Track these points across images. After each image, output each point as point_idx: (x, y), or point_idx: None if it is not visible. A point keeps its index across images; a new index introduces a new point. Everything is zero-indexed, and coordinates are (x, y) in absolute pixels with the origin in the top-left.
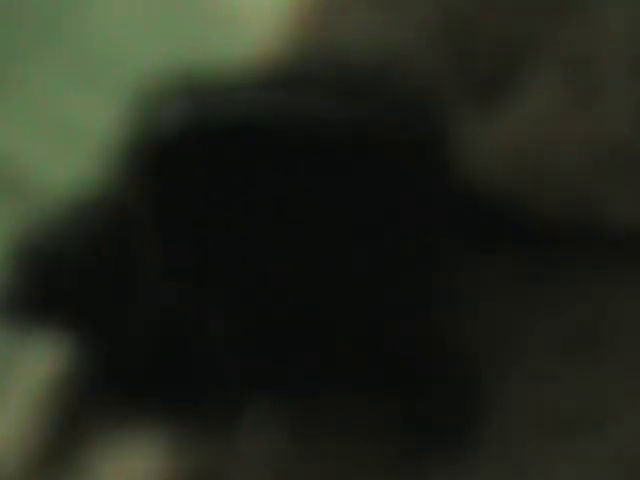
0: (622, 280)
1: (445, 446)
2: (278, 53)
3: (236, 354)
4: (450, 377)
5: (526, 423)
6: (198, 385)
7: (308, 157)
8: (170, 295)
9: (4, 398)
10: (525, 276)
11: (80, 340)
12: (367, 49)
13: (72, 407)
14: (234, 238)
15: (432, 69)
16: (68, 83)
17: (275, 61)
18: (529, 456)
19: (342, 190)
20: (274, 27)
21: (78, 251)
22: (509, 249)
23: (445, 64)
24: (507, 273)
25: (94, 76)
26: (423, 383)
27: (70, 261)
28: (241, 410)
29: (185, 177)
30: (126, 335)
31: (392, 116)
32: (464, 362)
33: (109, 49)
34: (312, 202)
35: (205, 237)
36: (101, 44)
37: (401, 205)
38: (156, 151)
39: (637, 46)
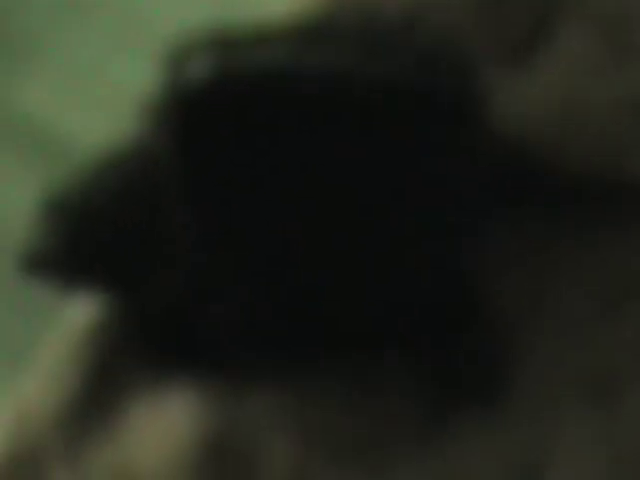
0: None
1: (475, 404)
2: (309, 10)
3: (259, 316)
4: (480, 338)
5: (555, 386)
6: (218, 346)
7: (337, 114)
8: (196, 254)
9: (41, 350)
10: (554, 236)
11: (111, 296)
12: (400, 7)
13: (106, 360)
14: (257, 199)
15: (464, 24)
16: (106, 48)
17: (306, 18)
18: (557, 419)
19: (373, 147)
20: None
21: (110, 209)
22: (539, 208)
23: (477, 19)
24: (537, 233)
25: (131, 40)
26: (454, 343)
27: (102, 219)
28: (263, 372)
29: (212, 134)
30: (154, 292)
31: (424, 72)
32: (494, 322)
33: (145, 13)
34: (344, 159)
35: (229, 198)
36: (137, 9)
37: (432, 161)
38: (183, 108)
39: None
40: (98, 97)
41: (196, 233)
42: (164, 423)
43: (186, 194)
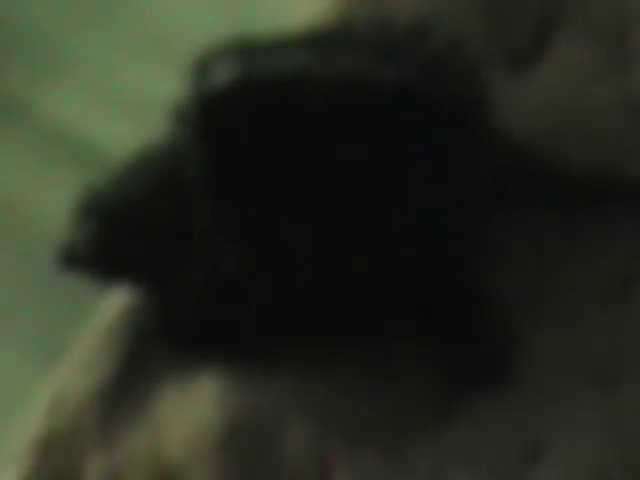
0: None
1: (484, 388)
2: (328, 18)
3: (279, 303)
4: (488, 329)
5: (559, 370)
6: (244, 330)
7: (356, 116)
8: (219, 249)
9: (77, 339)
10: (557, 229)
11: (142, 289)
12: (410, 15)
13: (137, 348)
14: (277, 195)
15: (470, 32)
16: (126, 57)
17: (325, 25)
18: (561, 401)
19: (392, 146)
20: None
21: (139, 209)
22: (542, 203)
23: (484, 27)
24: (540, 226)
25: (150, 49)
26: (467, 331)
27: (132, 218)
28: (285, 358)
29: (234, 136)
30: (180, 284)
31: (432, 77)
32: (501, 315)
33: (164, 23)
34: (357, 158)
35: (250, 194)
36: (156, 19)
37: (448, 161)
38: (207, 112)
39: None
40: (125, 105)
41: (220, 228)
42: (192, 407)
43: (210, 192)
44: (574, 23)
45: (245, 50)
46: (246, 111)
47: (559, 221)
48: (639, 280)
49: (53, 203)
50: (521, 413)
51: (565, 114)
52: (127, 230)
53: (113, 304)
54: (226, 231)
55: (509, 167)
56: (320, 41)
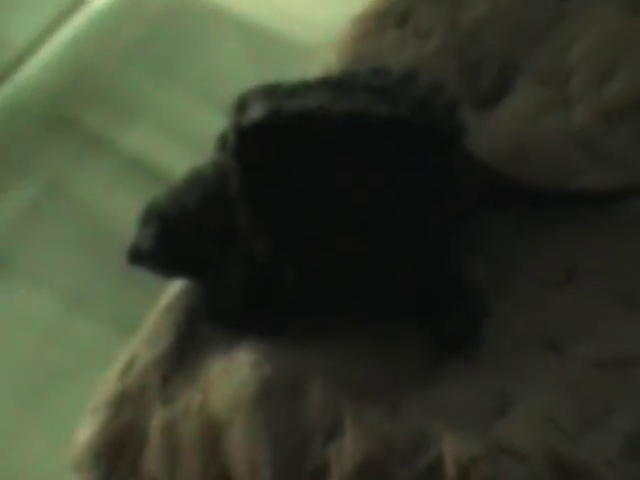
0: (590, 227)
1: (460, 349)
2: (337, 68)
3: (302, 287)
4: (465, 303)
5: (518, 339)
6: (274, 309)
7: (359, 143)
8: (257, 246)
9: (147, 317)
10: (515, 228)
11: (194, 278)
12: (402, 65)
13: (192, 324)
14: (295, 204)
15: (449, 79)
16: (186, 99)
17: (335, 73)
18: (521, 364)
19: (388, 166)
20: (337, 55)
21: (192, 217)
22: (503, 207)
23: (457, 75)
24: (502, 226)
25: (204, 92)
26: (447, 308)
27: (184, 223)
28: (308, 328)
29: (265, 158)
30: (225, 274)
31: (421, 113)
32: (473, 293)
33: (214, 73)
34: (364, 171)
35: (280, 204)
36: (209, 69)
37: (432, 178)
38: (245, 140)
39: (597, 62)
40: (185, 137)
41: (255, 229)
42: (232, 372)
43: (247, 201)
44: (527, 72)
45: (272, 93)
46: (272, 139)
47: (516, 221)
48: (581, 268)
49: (128, 214)
50: (490, 374)
51: (520, 141)
52: (182, 233)
53: (173, 290)
54: (259, 231)
55: (479, 180)
56: (332, 86)
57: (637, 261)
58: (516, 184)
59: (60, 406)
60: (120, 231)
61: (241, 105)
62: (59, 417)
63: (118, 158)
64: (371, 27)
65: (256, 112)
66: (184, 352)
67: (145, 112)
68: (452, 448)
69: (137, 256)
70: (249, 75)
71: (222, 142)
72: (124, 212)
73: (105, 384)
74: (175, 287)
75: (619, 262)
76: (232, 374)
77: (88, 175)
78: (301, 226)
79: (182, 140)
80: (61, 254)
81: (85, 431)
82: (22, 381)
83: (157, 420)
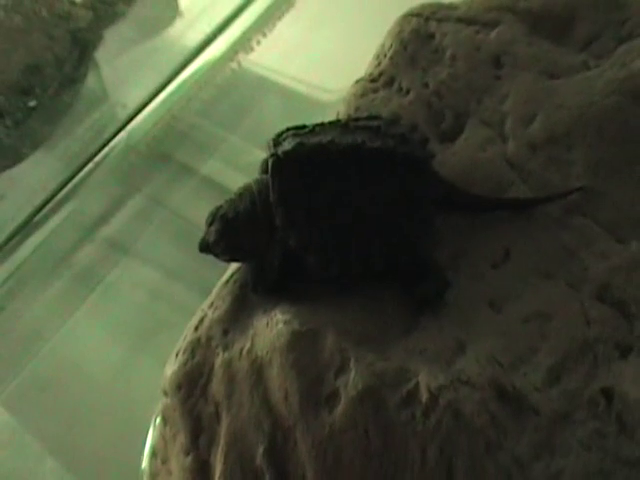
0: (519, 224)
1: (430, 309)
2: (344, 115)
3: (324, 265)
4: (432, 274)
5: (470, 301)
6: (300, 281)
7: (359, 165)
8: (288, 239)
9: (215, 287)
10: (466, 224)
11: (246, 260)
12: (389, 113)
13: (245, 293)
14: (315, 208)
15: (421, 122)
16: (246, 142)
17: (342, 118)
18: (472, 318)
19: (379, 181)
20: (344, 106)
21: (244, 218)
22: (458, 210)
23: (427, 119)
24: (460, 222)
25: (258, 137)
26: (420, 277)
27: (239, 222)
28: (323, 294)
29: (295, 177)
30: (267, 256)
31: (402, 144)
32: (438, 267)
33: (265, 123)
34: (362, 185)
35: (306, 210)
36: (262, 121)
37: (410, 189)
38: (279, 165)
39: (524, 110)
40: (244, 167)
41: (287, 224)
42: (271, 326)
43: (281, 205)
44: (475, 117)
45: (298, 132)
46: (298, 164)
47: (467, 220)
48: (513, 252)
49: (205, 218)
50: (451, 326)
51: (471, 164)
52: (237, 229)
53: (230, 270)
54: (290, 228)
55: (442, 191)
56: (340, 127)
57: (551, 247)
58: (468, 194)
59: (160, 349)
60: (200, 229)
61: (277, 140)
62: (159, 357)
63: (198, 181)
64: (368, 87)
65: (287, 145)
66: (238, 313)
67: (217, 150)
68: (425, 379)
69: (205, 247)
70: (285, 124)
71: (264, 166)
72: (203, 217)
73: (184, 335)
74: (232, 267)
75: (539, 248)
76: (271, 328)
77: (179, 192)
78: (319, 224)
79: (241, 169)
80: (162, 243)
81: (171, 368)
82: (133, 330)
83: (219, 360)
